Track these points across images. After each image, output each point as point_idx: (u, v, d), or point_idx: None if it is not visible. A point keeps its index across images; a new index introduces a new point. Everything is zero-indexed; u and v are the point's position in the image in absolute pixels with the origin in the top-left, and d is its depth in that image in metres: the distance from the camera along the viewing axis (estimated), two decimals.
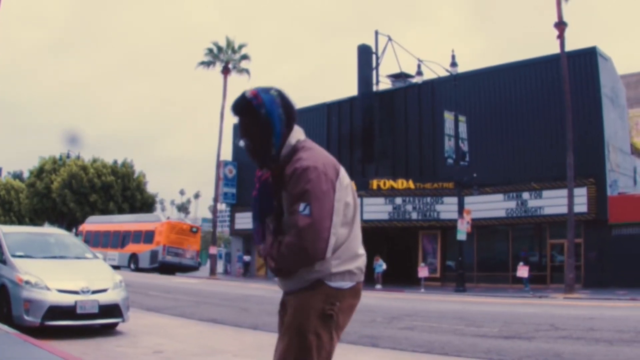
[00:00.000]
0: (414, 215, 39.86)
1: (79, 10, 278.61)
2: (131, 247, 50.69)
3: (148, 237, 50.18)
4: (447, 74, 38.85)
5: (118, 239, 52.32)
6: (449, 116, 37.14)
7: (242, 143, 3.82)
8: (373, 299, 23.91)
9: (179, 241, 50.24)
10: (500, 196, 37.73)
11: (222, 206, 63.03)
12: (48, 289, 11.73)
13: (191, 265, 51.85)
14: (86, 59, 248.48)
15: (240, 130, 3.81)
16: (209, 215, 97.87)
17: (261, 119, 3.69)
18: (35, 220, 72.62)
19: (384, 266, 37.45)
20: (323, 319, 3.71)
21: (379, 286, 35.99)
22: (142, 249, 48.07)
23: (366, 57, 44.94)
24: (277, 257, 3.70)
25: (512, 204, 37.52)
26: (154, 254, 48.94)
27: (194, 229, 53.63)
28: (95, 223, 56.41)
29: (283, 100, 3.78)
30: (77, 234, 54.47)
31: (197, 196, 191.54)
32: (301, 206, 3.55)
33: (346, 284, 3.82)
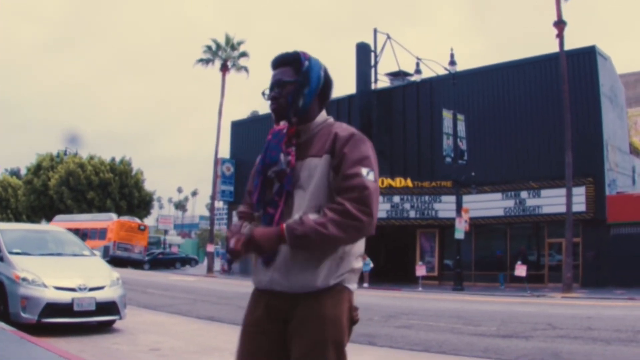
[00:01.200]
0: (412, 214, 39.84)
1: (77, 8, 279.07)
2: (89, 243, 51.93)
3: (102, 234, 56.75)
4: (445, 72, 38.81)
5: (78, 236, 53.52)
6: (447, 115, 37.15)
7: (266, 94, 3.44)
8: (370, 298, 23.91)
9: (128, 238, 57.08)
10: (498, 195, 37.76)
11: (219, 204, 63.40)
12: (45, 286, 11.74)
13: (139, 259, 57.73)
14: (84, 56, 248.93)
15: (273, 81, 3.42)
16: (207, 213, 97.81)
17: (302, 70, 3.37)
18: (33, 218, 72.54)
19: (371, 265, 37.50)
20: (350, 329, 3.36)
21: (365, 284, 36.11)
22: (97, 245, 50.07)
23: (365, 55, 44.88)
24: (333, 223, 3.04)
25: (510, 203, 37.54)
26: (106, 249, 53.42)
27: (142, 227, 59.87)
28: (61, 222, 57.82)
29: (326, 72, 3.51)
30: None
31: (194, 194, 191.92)
32: (364, 170, 3.17)
33: (355, 285, 3.41)
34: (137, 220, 61.56)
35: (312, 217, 3.05)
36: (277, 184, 3.25)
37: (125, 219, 59.54)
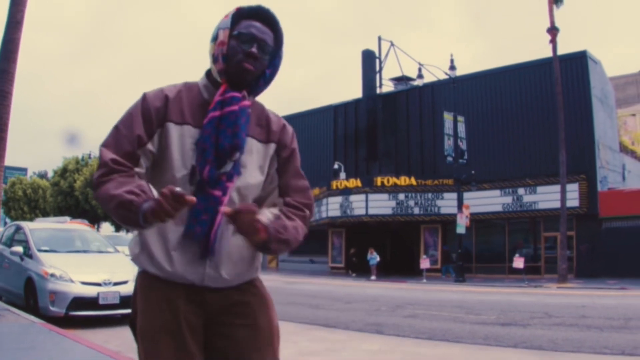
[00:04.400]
0: (416, 210, 39.79)
1: (97, 18, 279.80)
2: None
3: None
4: (446, 77, 38.75)
5: None
6: (448, 117, 37.12)
7: (245, 44, 2.59)
8: (377, 289, 23.94)
9: None
10: (497, 192, 37.69)
11: None
12: (72, 281, 11.81)
13: None
14: (106, 64, 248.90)
15: (257, 37, 2.60)
16: None
17: (280, 39, 2.70)
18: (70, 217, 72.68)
19: (378, 258, 37.56)
20: None
21: (373, 277, 36.14)
22: None
23: (370, 61, 44.99)
24: (301, 230, 2.69)
25: (508, 199, 37.46)
26: None
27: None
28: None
29: None
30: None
31: None
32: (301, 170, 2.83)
33: None
34: (87, 222, 61.68)
35: (288, 222, 2.60)
36: (231, 163, 2.56)
37: (78, 220, 59.61)
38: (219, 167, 2.54)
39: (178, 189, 2.25)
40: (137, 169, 2.54)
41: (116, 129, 2.57)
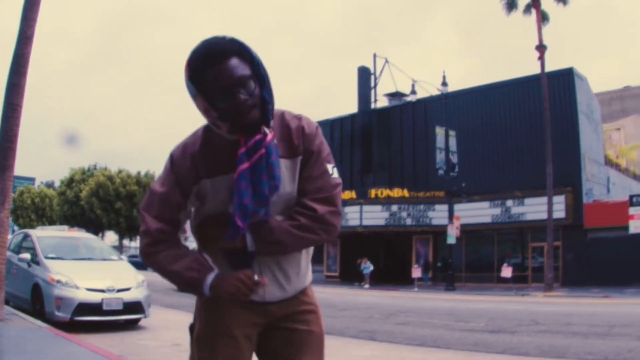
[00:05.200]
0: (408, 221, 39.85)
1: (106, 30, 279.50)
2: None
3: None
4: (438, 92, 38.96)
5: None
6: (440, 131, 37.26)
7: (226, 99, 2.28)
8: (371, 297, 23.94)
9: None
10: (486, 204, 37.70)
11: None
12: (77, 287, 11.82)
13: None
14: (112, 76, 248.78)
15: (233, 80, 2.28)
16: None
17: (254, 58, 2.36)
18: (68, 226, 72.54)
19: (371, 267, 37.58)
20: None
21: (367, 286, 36.20)
22: None
23: (365, 77, 45.13)
24: (317, 228, 2.45)
25: (497, 211, 37.49)
26: None
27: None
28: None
29: None
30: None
31: None
32: (329, 167, 2.57)
33: None
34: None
35: (284, 224, 2.43)
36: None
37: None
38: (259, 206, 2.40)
39: (256, 277, 2.35)
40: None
41: (154, 193, 2.53)
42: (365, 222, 39.81)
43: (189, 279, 2.41)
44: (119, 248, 68.70)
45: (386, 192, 40.12)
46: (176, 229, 2.53)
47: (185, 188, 2.48)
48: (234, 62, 2.30)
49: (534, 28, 32.94)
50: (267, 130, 2.38)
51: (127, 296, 12.17)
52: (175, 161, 2.50)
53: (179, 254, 2.47)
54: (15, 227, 68.42)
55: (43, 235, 14.76)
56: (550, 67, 34.00)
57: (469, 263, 39.09)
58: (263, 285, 2.36)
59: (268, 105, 2.37)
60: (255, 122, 2.34)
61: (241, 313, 2.57)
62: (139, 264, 44.42)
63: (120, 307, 12.01)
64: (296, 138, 2.50)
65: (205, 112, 2.37)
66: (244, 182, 2.36)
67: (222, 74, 2.27)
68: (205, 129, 2.52)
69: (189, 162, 2.46)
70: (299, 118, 2.56)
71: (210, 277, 2.38)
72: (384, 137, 44.77)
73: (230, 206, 2.40)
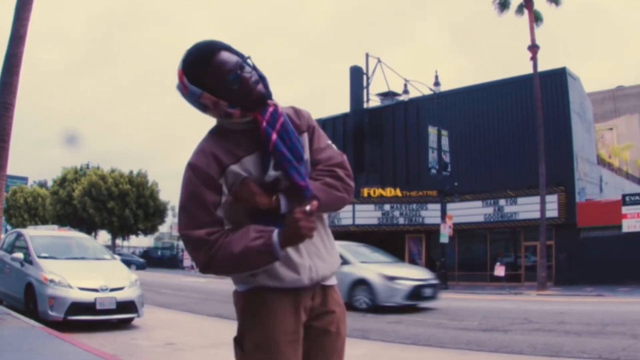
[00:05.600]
0: (401, 221, 39.88)
1: (100, 30, 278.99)
2: None
3: None
4: (430, 92, 38.89)
5: None
6: (432, 131, 37.23)
7: (236, 80, 2.46)
8: None
9: None
10: (479, 203, 37.77)
11: None
12: (70, 287, 11.81)
13: None
14: (106, 76, 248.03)
15: (234, 63, 2.46)
16: None
17: (235, 50, 2.55)
18: (58, 225, 72.39)
19: None
20: None
21: None
22: None
23: (357, 77, 45.08)
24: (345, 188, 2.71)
25: (489, 210, 37.56)
26: None
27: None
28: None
29: None
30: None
31: None
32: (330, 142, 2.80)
33: None
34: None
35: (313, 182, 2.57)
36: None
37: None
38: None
39: (307, 207, 2.37)
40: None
41: (186, 209, 2.53)
42: (358, 222, 39.79)
43: (258, 248, 2.40)
44: (112, 247, 68.41)
45: (379, 191, 40.13)
46: (222, 226, 2.53)
47: (213, 184, 2.50)
48: (226, 53, 2.48)
49: (526, 28, 32.99)
50: (274, 101, 2.58)
51: (120, 295, 12.17)
52: (196, 165, 2.52)
53: (235, 236, 2.46)
54: (8, 227, 68.25)
55: (36, 234, 14.73)
56: (542, 68, 34.11)
57: (461, 262, 39.15)
58: (314, 207, 2.36)
59: (265, 80, 2.53)
60: (262, 97, 2.50)
61: (289, 313, 2.60)
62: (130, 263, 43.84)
63: (113, 306, 12.00)
64: (297, 119, 2.67)
65: (214, 106, 2.49)
66: (283, 148, 2.51)
67: (223, 62, 2.45)
68: (212, 131, 2.64)
69: (211, 159, 2.51)
70: (291, 107, 2.74)
71: (274, 236, 2.40)
72: (377, 136, 44.78)
73: (263, 177, 2.52)
